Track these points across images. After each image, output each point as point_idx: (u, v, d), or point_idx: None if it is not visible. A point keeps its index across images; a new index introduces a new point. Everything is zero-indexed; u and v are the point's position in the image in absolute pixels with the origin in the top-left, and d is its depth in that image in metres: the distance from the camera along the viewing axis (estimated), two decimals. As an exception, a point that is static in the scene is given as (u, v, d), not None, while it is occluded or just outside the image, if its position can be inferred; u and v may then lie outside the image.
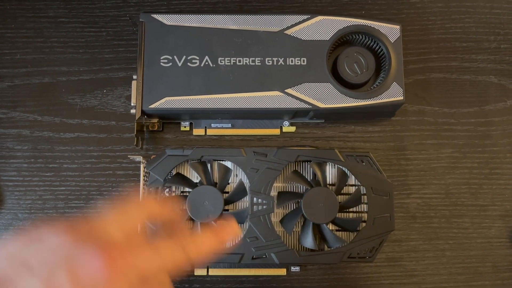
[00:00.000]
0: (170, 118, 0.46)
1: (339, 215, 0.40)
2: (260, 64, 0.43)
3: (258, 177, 0.41)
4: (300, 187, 0.42)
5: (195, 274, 0.43)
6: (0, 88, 0.47)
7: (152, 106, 0.42)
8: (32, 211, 0.45)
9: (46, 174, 0.46)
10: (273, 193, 0.42)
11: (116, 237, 0.24)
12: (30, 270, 0.22)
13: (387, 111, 0.46)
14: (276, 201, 0.41)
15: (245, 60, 0.43)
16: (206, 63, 0.43)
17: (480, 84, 0.48)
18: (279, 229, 0.41)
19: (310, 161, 0.42)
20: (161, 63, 0.43)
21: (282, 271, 0.44)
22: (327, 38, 0.44)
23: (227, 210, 0.42)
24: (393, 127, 0.47)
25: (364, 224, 0.41)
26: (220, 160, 0.42)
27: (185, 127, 0.46)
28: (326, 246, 0.41)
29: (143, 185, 0.42)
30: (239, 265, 0.42)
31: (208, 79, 0.43)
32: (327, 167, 0.43)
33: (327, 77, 0.43)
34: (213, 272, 0.43)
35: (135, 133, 0.43)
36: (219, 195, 0.40)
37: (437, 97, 0.48)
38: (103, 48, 0.48)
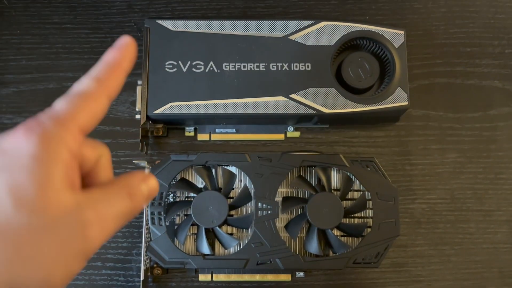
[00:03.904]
0: (174, 124, 0.46)
1: (344, 220, 0.40)
2: (264, 69, 0.43)
3: (262, 182, 0.41)
4: (305, 192, 0.42)
5: (200, 279, 0.43)
6: (5, 94, 0.47)
7: (157, 111, 0.43)
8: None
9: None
10: (278, 198, 0.42)
11: None
12: None
13: (392, 116, 0.46)
14: (280, 206, 0.41)
15: (250, 65, 0.43)
16: (211, 68, 0.43)
17: (485, 89, 0.48)
18: (284, 234, 0.41)
19: (314, 166, 0.42)
20: (166, 69, 0.43)
21: (287, 277, 0.43)
22: (332, 44, 0.44)
23: (232, 215, 0.41)
24: (397, 132, 0.47)
25: (369, 230, 0.41)
26: (224, 165, 0.42)
27: (189, 132, 0.46)
28: (331, 252, 0.41)
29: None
30: (243, 270, 0.42)
31: (212, 85, 0.43)
32: (332, 172, 0.43)
33: (332, 82, 0.43)
34: (217, 277, 0.43)
35: (140, 138, 0.43)
36: (224, 200, 0.40)
37: (442, 102, 0.48)
38: (108, 54, 0.48)
